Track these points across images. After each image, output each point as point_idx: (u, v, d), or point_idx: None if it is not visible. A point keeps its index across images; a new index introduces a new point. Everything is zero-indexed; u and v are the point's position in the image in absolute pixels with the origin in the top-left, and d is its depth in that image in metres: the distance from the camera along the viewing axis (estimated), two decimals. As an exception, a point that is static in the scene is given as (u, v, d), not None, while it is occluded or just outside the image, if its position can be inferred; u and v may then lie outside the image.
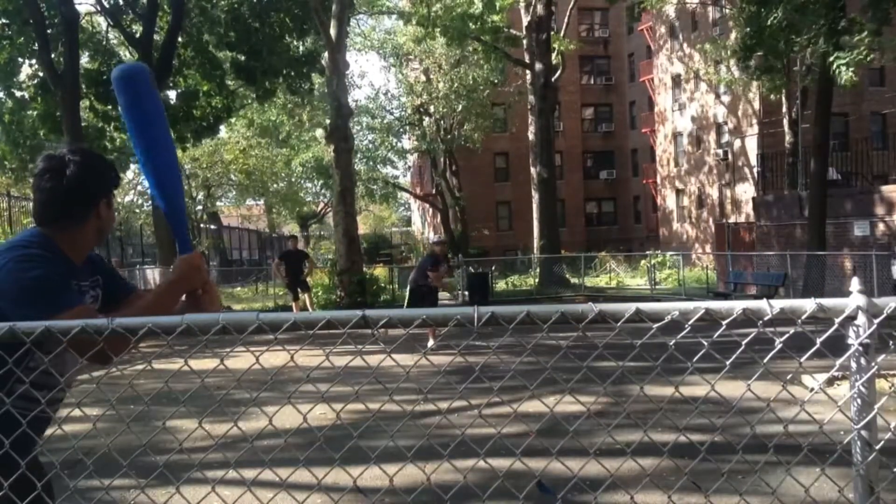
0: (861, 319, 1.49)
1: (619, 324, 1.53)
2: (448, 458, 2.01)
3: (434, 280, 11.54)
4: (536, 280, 23.89)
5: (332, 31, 18.35)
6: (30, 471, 1.81)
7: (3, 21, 19.22)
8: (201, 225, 39.86)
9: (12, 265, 1.90)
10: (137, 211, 35.00)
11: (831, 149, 20.06)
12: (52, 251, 2.00)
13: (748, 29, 16.48)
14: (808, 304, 1.51)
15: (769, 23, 14.91)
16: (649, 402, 5.84)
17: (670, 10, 34.64)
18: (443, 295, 22.72)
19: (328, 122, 19.35)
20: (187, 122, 21.19)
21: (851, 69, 13.64)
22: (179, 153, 26.87)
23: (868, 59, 14.04)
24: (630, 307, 1.52)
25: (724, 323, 1.52)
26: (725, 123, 34.57)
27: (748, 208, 28.99)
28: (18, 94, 20.99)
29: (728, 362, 1.71)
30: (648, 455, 4.78)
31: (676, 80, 38.55)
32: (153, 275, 19.99)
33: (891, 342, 1.67)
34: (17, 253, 1.94)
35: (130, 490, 4.54)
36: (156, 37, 20.90)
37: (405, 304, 12.12)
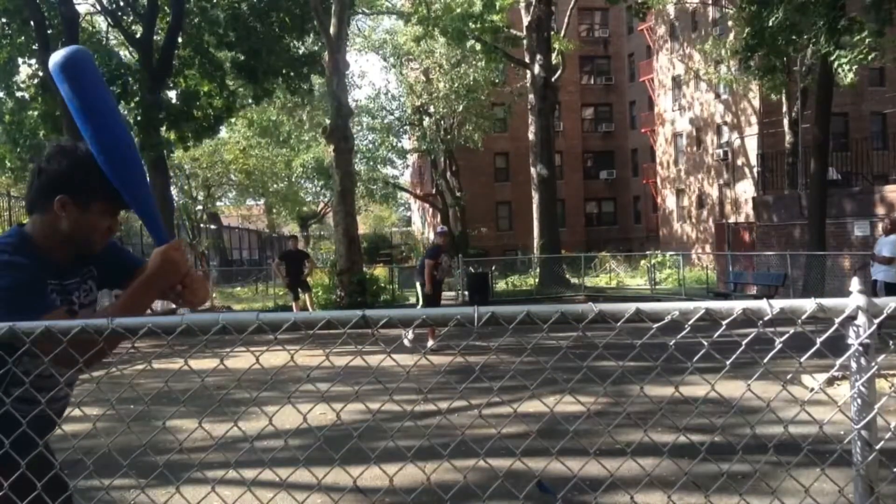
0: (861, 319, 1.49)
1: (619, 324, 1.53)
2: (448, 458, 2.01)
3: (427, 271, 11.22)
4: (536, 280, 23.89)
5: (332, 32, 18.36)
6: (36, 469, 1.80)
7: (4, 21, 19.19)
8: (201, 225, 39.87)
9: None
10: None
11: (831, 149, 20.05)
12: (26, 252, 1.93)
13: (749, 28, 16.48)
14: (808, 304, 1.51)
15: (770, 23, 14.91)
16: (649, 402, 5.84)
17: (670, 10, 34.66)
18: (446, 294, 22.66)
19: (328, 121, 19.35)
20: (188, 122, 21.18)
21: (853, 68, 13.63)
22: (179, 153, 26.90)
23: (870, 58, 14.03)
24: (630, 307, 1.52)
25: (724, 323, 1.52)
26: (725, 123, 34.58)
27: (748, 208, 29.00)
28: (18, 94, 20.98)
29: (728, 362, 1.71)
30: (648, 455, 4.78)
31: (676, 80, 38.56)
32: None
33: (891, 342, 1.67)
34: None
35: (130, 490, 4.54)
36: (155, 37, 20.89)
37: (421, 303, 11.78)
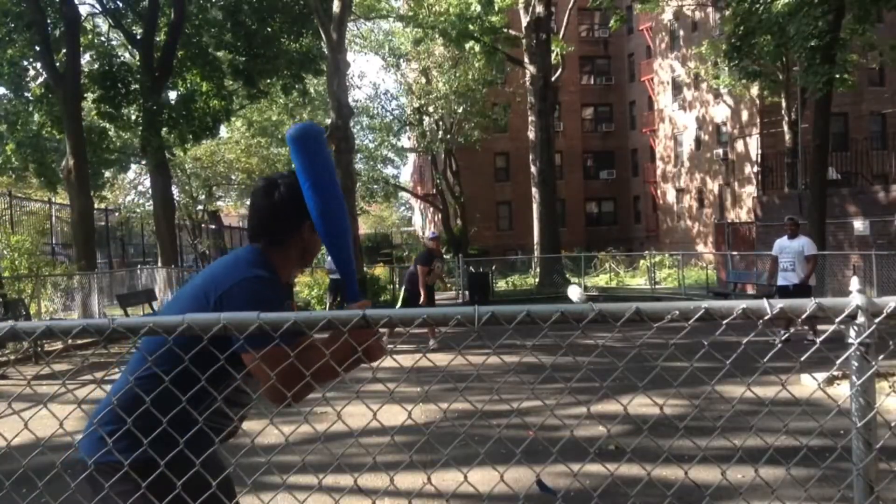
0: (861, 319, 1.50)
1: (619, 323, 1.53)
2: (449, 458, 2.01)
3: (420, 279, 10.95)
4: (536, 280, 23.88)
5: (333, 33, 18.36)
6: (216, 472, 1.92)
7: (7, 25, 19.09)
8: (202, 225, 39.85)
9: (247, 284, 1.96)
10: (138, 211, 34.98)
11: (831, 149, 20.05)
12: (273, 273, 2.06)
13: (736, 28, 16.53)
14: (808, 304, 1.51)
15: (760, 19, 14.87)
16: (650, 402, 5.82)
17: (670, 11, 34.64)
18: (447, 294, 22.70)
19: (328, 122, 19.35)
20: (187, 123, 21.16)
21: (823, 89, 13.69)
22: (180, 154, 26.82)
23: (839, 89, 14.13)
24: (630, 307, 1.52)
25: (724, 322, 1.52)
26: (725, 123, 34.56)
27: (748, 208, 28.99)
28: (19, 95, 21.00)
29: (727, 362, 1.71)
30: (649, 455, 4.78)
31: (676, 81, 38.55)
32: (153, 274, 20.00)
33: (891, 342, 1.68)
34: (252, 273, 1.99)
35: (131, 490, 4.53)
36: (156, 38, 20.86)
37: (399, 306, 11.73)
